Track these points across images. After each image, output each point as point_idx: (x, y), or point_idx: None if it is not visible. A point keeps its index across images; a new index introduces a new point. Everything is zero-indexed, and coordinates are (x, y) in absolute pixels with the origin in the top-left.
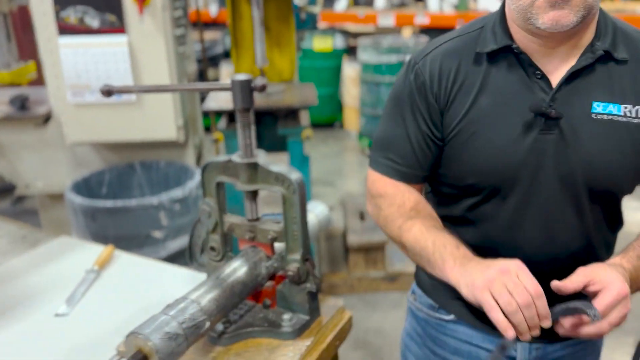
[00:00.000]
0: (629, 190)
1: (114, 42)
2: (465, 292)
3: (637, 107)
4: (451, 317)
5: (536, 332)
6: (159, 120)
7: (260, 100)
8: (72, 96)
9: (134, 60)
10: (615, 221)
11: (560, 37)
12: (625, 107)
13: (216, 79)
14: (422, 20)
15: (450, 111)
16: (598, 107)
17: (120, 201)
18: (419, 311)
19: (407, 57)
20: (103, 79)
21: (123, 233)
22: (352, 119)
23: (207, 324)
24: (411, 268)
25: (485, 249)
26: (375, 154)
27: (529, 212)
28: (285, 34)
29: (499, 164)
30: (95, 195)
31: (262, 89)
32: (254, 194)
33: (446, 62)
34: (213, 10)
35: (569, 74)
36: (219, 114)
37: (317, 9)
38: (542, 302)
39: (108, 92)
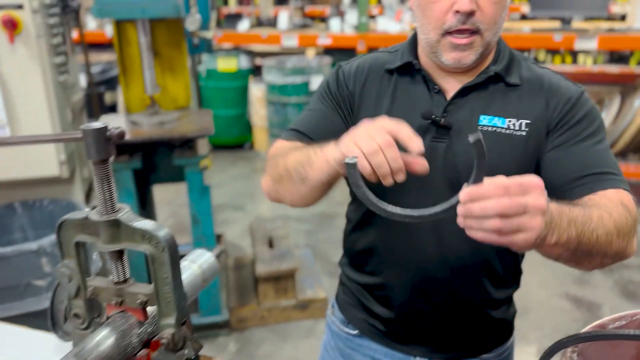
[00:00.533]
0: None
1: None
2: (338, 154)
3: (520, 120)
4: (356, 332)
5: (401, 177)
6: (39, 155)
7: (153, 130)
8: None
9: (6, 91)
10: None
11: (460, 69)
12: (510, 121)
13: (114, 103)
14: (324, 41)
15: (359, 113)
16: (484, 120)
17: None
18: (333, 324)
19: (311, 78)
20: None
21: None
22: (262, 140)
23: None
24: (322, 294)
25: (385, 251)
26: (283, 133)
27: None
28: (178, 59)
29: None
30: None
31: (120, 136)
32: (119, 254)
33: (363, 70)
34: (109, 31)
35: (461, 89)
36: None
37: (210, 34)
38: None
39: None
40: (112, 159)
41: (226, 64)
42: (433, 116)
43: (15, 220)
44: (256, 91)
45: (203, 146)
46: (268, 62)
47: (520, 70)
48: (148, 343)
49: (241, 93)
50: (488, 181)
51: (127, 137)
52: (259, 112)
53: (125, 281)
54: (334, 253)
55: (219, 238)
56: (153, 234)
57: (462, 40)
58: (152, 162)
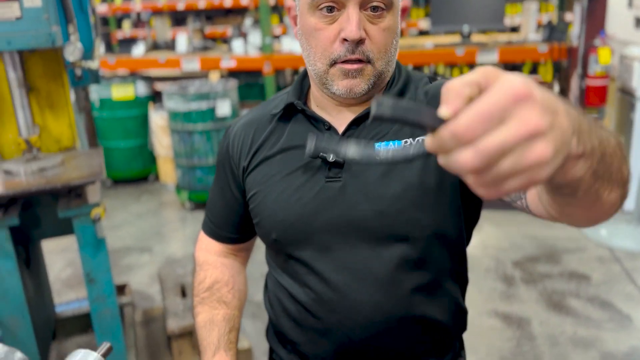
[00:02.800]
0: (447, 231)
1: None
2: None
3: (417, 138)
4: None
5: None
6: None
7: (32, 179)
8: None
9: None
10: (434, 268)
11: (354, 100)
12: (405, 142)
13: None
14: (228, 63)
15: (250, 175)
16: (380, 147)
17: None
18: None
19: (217, 103)
20: None
21: None
22: (168, 171)
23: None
24: (246, 343)
25: (318, 308)
26: (205, 215)
27: (330, 264)
28: (58, 94)
29: (284, 219)
30: None
31: None
32: None
33: (246, 130)
34: None
35: (350, 122)
36: None
37: (95, 63)
38: None
39: None
40: None
41: (122, 92)
42: (320, 154)
43: None
44: (157, 119)
45: (94, 192)
46: (169, 87)
47: (416, 92)
48: None
49: (141, 122)
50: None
51: (2, 190)
52: (162, 141)
53: None
54: (254, 292)
55: (122, 289)
56: None
57: (352, 66)
58: (34, 214)
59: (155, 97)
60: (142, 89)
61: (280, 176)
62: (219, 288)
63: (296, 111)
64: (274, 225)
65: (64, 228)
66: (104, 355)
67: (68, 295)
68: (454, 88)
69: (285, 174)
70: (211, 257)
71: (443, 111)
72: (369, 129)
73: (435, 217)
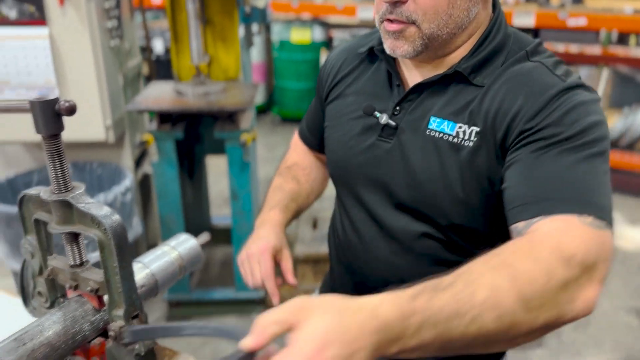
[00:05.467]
0: (467, 223)
1: (34, 35)
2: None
3: (472, 127)
4: None
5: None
6: (85, 119)
7: (195, 101)
8: None
9: (57, 55)
10: (458, 254)
11: (417, 58)
12: (460, 127)
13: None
14: None
15: (328, 106)
16: (434, 123)
17: None
18: None
19: None
20: (23, 74)
21: None
22: None
23: None
24: None
25: (346, 249)
26: (300, 123)
27: (362, 214)
28: (230, 29)
29: (339, 159)
30: None
31: (70, 112)
32: (74, 236)
33: (338, 58)
34: None
35: (414, 86)
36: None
37: (262, 2)
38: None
39: None
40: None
41: (300, 36)
42: (375, 113)
43: None
44: None
45: (246, 120)
46: (340, 34)
47: (497, 69)
48: (105, 332)
49: (313, 66)
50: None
51: (169, 106)
52: None
53: (81, 265)
54: None
55: None
56: (101, 220)
57: (391, 26)
58: (198, 133)
59: (329, 43)
60: (318, 34)
61: (347, 118)
62: (296, 169)
63: (377, 57)
64: (331, 161)
65: (219, 148)
66: (202, 244)
67: (226, 211)
68: (262, 324)
69: (351, 117)
70: (298, 149)
71: (245, 343)
72: (430, 98)
73: (463, 212)
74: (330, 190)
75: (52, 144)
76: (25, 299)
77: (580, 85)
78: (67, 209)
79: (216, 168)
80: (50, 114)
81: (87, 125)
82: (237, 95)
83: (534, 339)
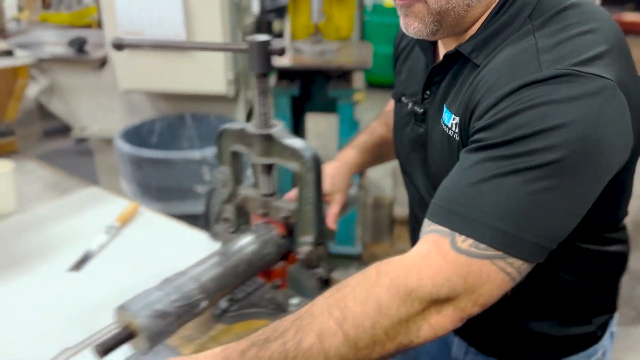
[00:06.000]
0: None
1: None
2: None
3: (456, 118)
4: None
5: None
6: (209, 73)
7: (312, 58)
8: None
9: (187, 10)
10: None
11: (440, 38)
12: (454, 119)
13: (281, 32)
14: None
15: (395, 85)
16: (444, 114)
17: (164, 153)
18: None
19: None
20: (156, 27)
21: (166, 185)
22: None
23: (204, 304)
24: None
25: (411, 216)
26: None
27: (414, 194)
28: None
29: (394, 141)
30: (145, 143)
31: (281, 52)
32: (269, 168)
33: (399, 34)
34: None
35: (431, 69)
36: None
37: None
38: None
39: (119, 45)
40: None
41: None
42: (402, 98)
43: (185, 130)
44: None
45: (358, 80)
46: None
47: (500, 45)
48: (286, 256)
49: None
50: None
51: (288, 63)
52: None
53: (272, 195)
54: None
55: (361, 174)
56: (301, 153)
57: (400, 1)
58: (308, 90)
59: None
60: None
61: (399, 97)
62: (389, 117)
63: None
64: (393, 142)
65: (328, 106)
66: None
67: None
68: None
69: (401, 96)
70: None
71: None
72: (444, 84)
73: None
74: None
75: (262, 82)
76: (208, 224)
77: (564, 75)
78: (268, 142)
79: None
80: (264, 55)
81: (210, 78)
82: (351, 54)
83: None
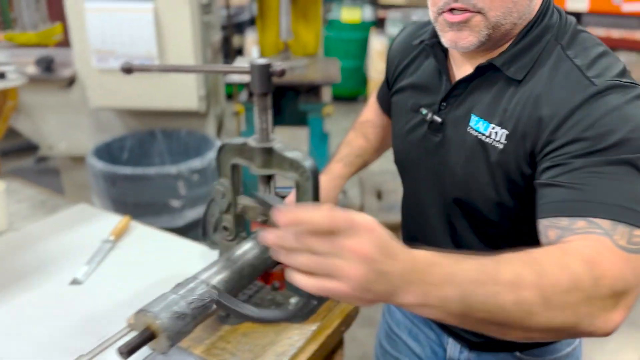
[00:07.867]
0: (502, 221)
1: (140, 9)
2: None
3: (503, 130)
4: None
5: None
6: (181, 89)
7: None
8: (98, 61)
9: (159, 28)
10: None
11: (472, 52)
12: (493, 128)
13: (241, 47)
14: None
15: (392, 98)
16: (472, 122)
17: (140, 169)
18: None
19: None
20: (127, 45)
21: (142, 200)
22: None
23: (215, 305)
24: None
25: (405, 229)
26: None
27: (412, 203)
28: (312, 6)
29: (399, 151)
30: (116, 160)
31: (281, 74)
32: (268, 178)
33: (397, 49)
34: None
35: (456, 81)
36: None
37: None
38: None
39: (128, 69)
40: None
41: (350, 15)
42: (421, 109)
43: (156, 145)
44: (377, 44)
45: (327, 94)
46: (392, 14)
47: (534, 62)
48: None
49: (361, 45)
50: (313, 208)
51: None
52: (376, 66)
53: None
54: None
55: None
56: (300, 163)
57: (455, 17)
58: (279, 105)
59: (378, 23)
60: (368, 13)
61: (405, 110)
62: (368, 126)
63: (433, 48)
64: (394, 151)
65: (298, 120)
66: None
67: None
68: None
69: (408, 110)
70: (374, 107)
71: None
72: (473, 94)
73: (499, 211)
74: (390, 165)
75: (262, 100)
76: (205, 233)
77: (614, 87)
78: (268, 155)
79: None
80: (265, 76)
81: (182, 95)
82: (320, 69)
83: (550, 339)
